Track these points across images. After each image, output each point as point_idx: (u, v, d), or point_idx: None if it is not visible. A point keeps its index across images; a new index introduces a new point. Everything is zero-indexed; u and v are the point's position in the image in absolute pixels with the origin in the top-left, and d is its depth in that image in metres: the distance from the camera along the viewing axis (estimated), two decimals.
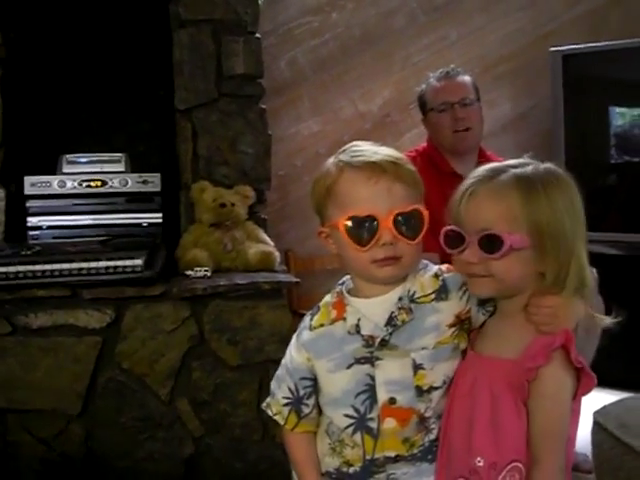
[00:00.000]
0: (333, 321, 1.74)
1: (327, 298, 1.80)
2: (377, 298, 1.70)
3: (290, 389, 1.79)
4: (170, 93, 3.68)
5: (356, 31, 4.59)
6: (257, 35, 3.72)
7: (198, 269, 3.36)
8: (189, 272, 3.37)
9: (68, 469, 3.17)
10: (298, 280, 3.45)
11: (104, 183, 3.55)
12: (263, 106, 3.75)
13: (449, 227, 1.63)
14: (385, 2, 4.62)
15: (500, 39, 4.77)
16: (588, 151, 4.62)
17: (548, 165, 1.63)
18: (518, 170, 1.59)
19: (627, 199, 4.55)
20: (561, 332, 1.56)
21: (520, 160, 1.64)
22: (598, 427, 2.36)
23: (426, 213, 1.66)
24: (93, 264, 3.16)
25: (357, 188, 1.65)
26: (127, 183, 3.57)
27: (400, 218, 1.63)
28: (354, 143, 1.74)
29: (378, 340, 1.67)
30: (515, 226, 1.55)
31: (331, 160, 1.72)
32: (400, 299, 1.69)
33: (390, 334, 1.66)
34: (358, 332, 1.69)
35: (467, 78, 3.48)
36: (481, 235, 1.56)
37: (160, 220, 3.60)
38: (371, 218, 1.62)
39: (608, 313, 1.66)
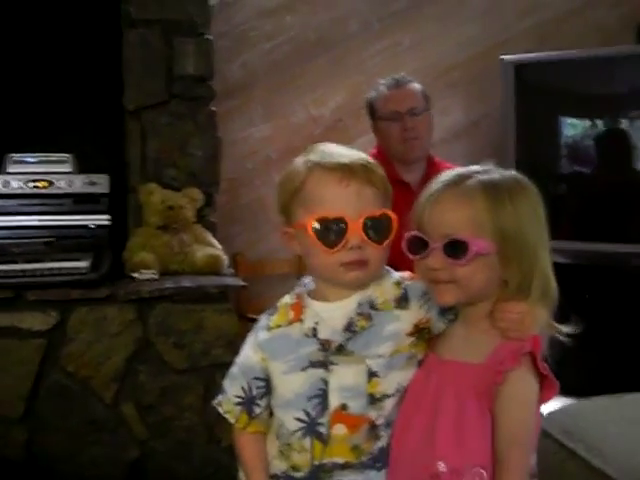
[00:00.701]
0: (290, 322, 1.72)
1: (286, 299, 1.78)
2: (337, 302, 1.69)
3: (243, 388, 1.77)
4: (119, 93, 3.65)
5: (310, 35, 4.58)
6: (208, 36, 3.71)
7: (145, 272, 3.35)
8: (135, 275, 3.35)
9: (9, 473, 3.13)
10: (245, 284, 3.44)
11: (50, 184, 3.50)
12: (213, 108, 3.73)
13: (412, 232, 1.61)
14: (340, 7, 4.62)
15: (453, 47, 4.79)
16: (538, 160, 4.65)
17: (513, 173, 1.63)
18: (484, 176, 1.59)
19: (576, 208, 4.59)
20: (530, 338, 1.55)
21: (485, 167, 1.63)
22: (542, 433, 2.37)
23: (395, 218, 1.65)
24: (38, 265, 3.14)
25: (327, 189, 1.63)
26: (74, 184, 3.52)
27: (369, 222, 1.61)
28: (323, 144, 1.72)
29: (335, 345, 1.65)
30: (480, 232, 1.54)
31: (300, 160, 1.70)
32: (360, 305, 1.67)
33: (347, 340, 1.65)
34: (315, 335, 1.67)
35: (417, 86, 3.46)
36: (446, 240, 1.55)
37: (107, 222, 3.54)
38: (340, 220, 1.60)
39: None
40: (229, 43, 4.38)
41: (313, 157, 1.67)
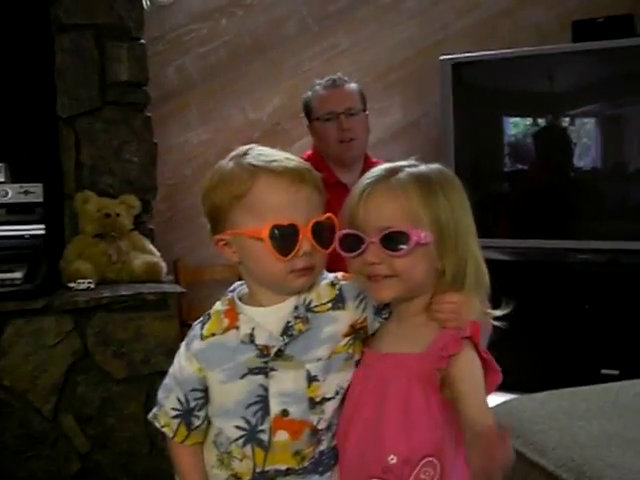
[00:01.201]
0: (225, 330, 1.67)
1: (218, 306, 1.73)
2: (272, 307, 1.66)
3: (180, 400, 1.71)
4: (52, 100, 3.59)
5: (246, 38, 4.55)
6: (142, 41, 3.67)
7: (81, 281, 3.29)
8: (72, 284, 3.29)
9: None
10: (184, 290, 3.41)
11: None
12: (148, 114, 3.70)
13: (346, 230, 1.60)
14: (276, 9, 4.60)
15: (391, 47, 4.79)
16: (479, 159, 4.69)
17: (438, 165, 1.64)
18: (413, 169, 1.59)
19: (517, 206, 4.61)
20: (469, 323, 1.55)
21: (411, 161, 1.64)
22: None
23: (337, 221, 1.63)
24: None
25: (278, 195, 1.59)
26: (7, 194, 3.45)
27: (317, 227, 1.59)
28: (253, 147, 1.68)
29: (274, 350, 1.62)
30: (417, 223, 1.54)
31: (230, 164, 1.64)
32: (296, 308, 1.64)
33: (286, 344, 1.62)
34: (252, 342, 1.63)
35: (354, 87, 3.45)
36: (384, 233, 1.54)
37: (42, 232, 3.48)
38: (293, 227, 1.57)
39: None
40: (163, 47, 4.34)
41: (253, 161, 1.62)
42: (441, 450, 1.54)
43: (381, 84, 4.68)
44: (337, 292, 1.68)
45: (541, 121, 4.68)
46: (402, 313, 1.65)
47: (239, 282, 1.74)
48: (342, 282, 1.70)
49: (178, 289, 3.38)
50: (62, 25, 3.56)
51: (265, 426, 1.63)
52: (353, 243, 1.59)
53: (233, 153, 1.68)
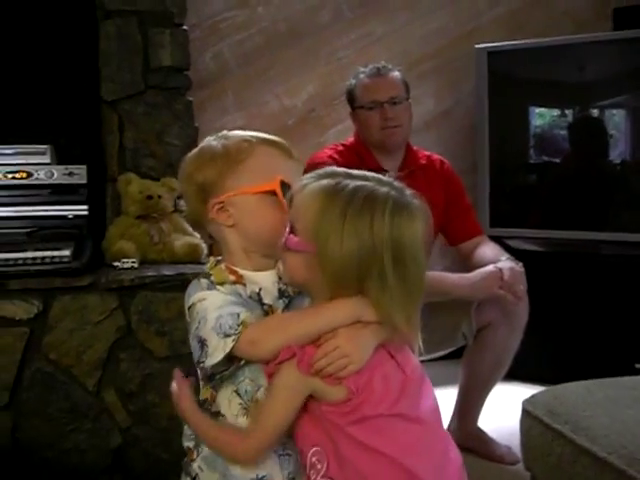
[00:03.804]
0: (234, 282, 1.72)
1: (209, 269, 1.78)
2: (264, 272, 1.75)
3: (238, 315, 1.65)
4: (96, 84, 3.67)
5: (282, 26, 4.61)
6: (184, 27, 3.73)
7: (125, 260, 3.36)
8: (116, 263, 3.36)
9: None
10: None
11: (29, 175, 3.50)
12: (190, 98, 3.76)
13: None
14: None
15: (424, 36, 4.83)
16: (512, 148, 4.70)
17: (385, 193, 1.57)
18: (339, 184, 1.57)
19: (550, 196, 4.64)
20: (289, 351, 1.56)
21: (375, 176, 1.62)
22: (527, 415, 2.37)
23: None
24: (20, 255, 3.14)
25: (276, 160, 1.76)
26: (53, 175, 3.52)
27: None
28: (225, 132, 1.83)
29: (279, 311, 1.73)
30: (304, 231, 1.58)
31: (219, 143, 1.78)
32: (280, 278, 1.75)
33: (286, 306, 1.73)
34: (259, 301, 1.72)
35: (397, 75, 3.43)
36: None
37: (86, 212, 3.55)
38: (290, 187, 1.70)
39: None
40: (200, 34, 4.39)
41: (246, 136, 1.77)
42: (319, 444, 1.59)
43: (414, 73, 4.68)
44: None
45: (577, 111, 4.67)
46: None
47: (211, 259, 1.81)
48: None
49: None
50: (107, 11, 3.64)
51: None
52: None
53: (211, 137, 1.83)
